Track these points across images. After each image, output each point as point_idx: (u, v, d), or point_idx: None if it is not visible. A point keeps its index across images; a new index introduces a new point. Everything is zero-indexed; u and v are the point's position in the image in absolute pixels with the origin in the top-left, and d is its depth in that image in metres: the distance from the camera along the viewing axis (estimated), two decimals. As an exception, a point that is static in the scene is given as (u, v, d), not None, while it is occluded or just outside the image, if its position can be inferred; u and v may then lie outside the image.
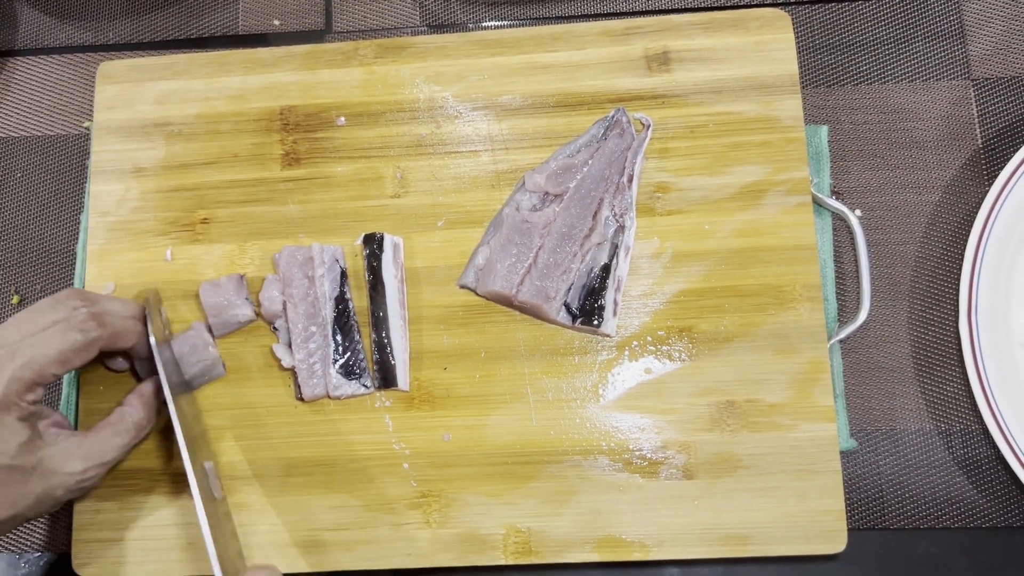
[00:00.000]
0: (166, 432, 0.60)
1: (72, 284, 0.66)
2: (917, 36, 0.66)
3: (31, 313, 0.52)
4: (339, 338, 0.59)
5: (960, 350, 0.59)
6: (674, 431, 0.58)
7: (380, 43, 0.65)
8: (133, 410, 0.56)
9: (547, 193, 0.61)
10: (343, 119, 0.64)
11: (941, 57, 0.66)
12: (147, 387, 0.57)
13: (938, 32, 0.66)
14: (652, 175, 0.62)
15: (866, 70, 0.66)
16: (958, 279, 0.60)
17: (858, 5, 0.67)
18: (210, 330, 0.60)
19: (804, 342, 0.59)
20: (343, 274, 0.60)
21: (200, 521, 0.52)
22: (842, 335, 0.60)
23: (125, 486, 0.60)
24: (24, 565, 0.63)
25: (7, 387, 0.49)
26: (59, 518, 0.63)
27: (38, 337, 0.50)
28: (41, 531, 0.63)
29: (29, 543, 0.63)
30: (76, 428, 0.61)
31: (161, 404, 0.57)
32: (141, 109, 0.66)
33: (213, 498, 0.56)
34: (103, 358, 0.59)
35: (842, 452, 0.60)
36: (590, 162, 0.62)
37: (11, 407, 0.49)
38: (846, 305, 0.62)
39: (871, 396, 0.61)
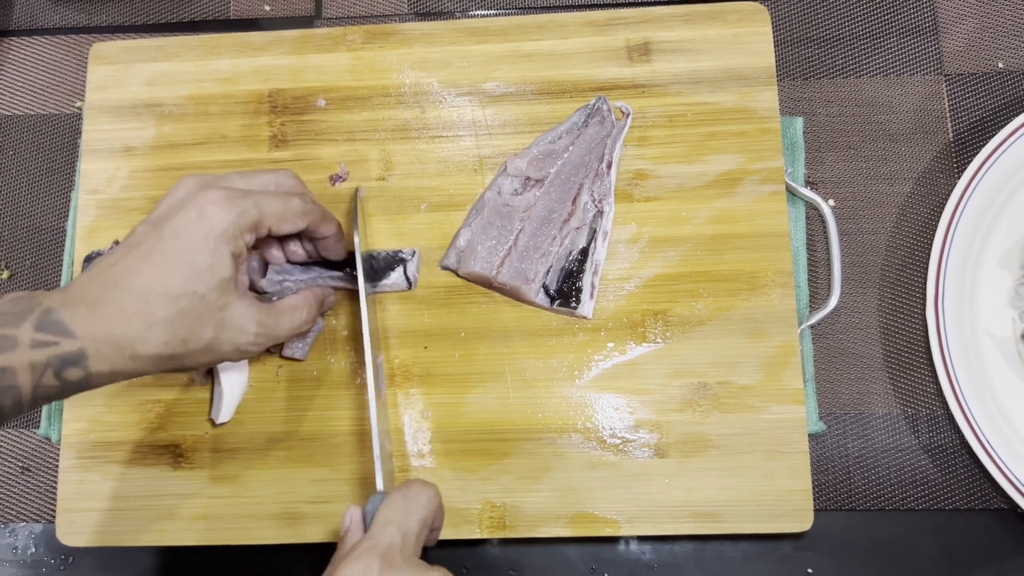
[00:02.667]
0: (146, 403, 0.62)
1: (62, 261, 0.68)
2: (892, 31, 0.68)
3: (254, 172, 0.53)
4: None
5: (927, 337, 0.61)
6: (647, 411, 0.60)
7: (368, 29, 0.67)
8: (307, 301, 0.55)
9: (528, 178, 0.63)
10: (323, 101, 0.65)
11: (915, 52, 0.68)
12: (322, 290, 0.58)
13: (912, 28, 0.68)
14: (631, 162, 0.63)
15: (841, 64, 0.68)
16: (927, 268, 0.62)
17: (835, 0, 0.69)
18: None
19: (775, 327, 0.61)
20: None
21: (371, 415, 0.54)
22: (813, 320, 0.62)
23: (109, 457, 0.61)
24: (9, 535, 0.64)
25: (237, 218, 0.48)
26: (45, 488, 0.65)
27: (265, 192, 0.51)
28: (27, 501, 0.65)
29: (15, 512, 0.64)
30: (60, 439, 0.63)
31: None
32: (132, 90, 0.67)
33: (381, 394, 0.57)
34: (291, 240, 0.59)
35: (811, 435, 0.61)
36: (571, 148, 0.63)
37: (231, 239, 0.48)
38: (818, 292, 0.64)
39: (840, 381, 0.63)
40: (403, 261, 0.61)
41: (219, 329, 0.49)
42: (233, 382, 0.59)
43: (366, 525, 0.49)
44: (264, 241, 0.56)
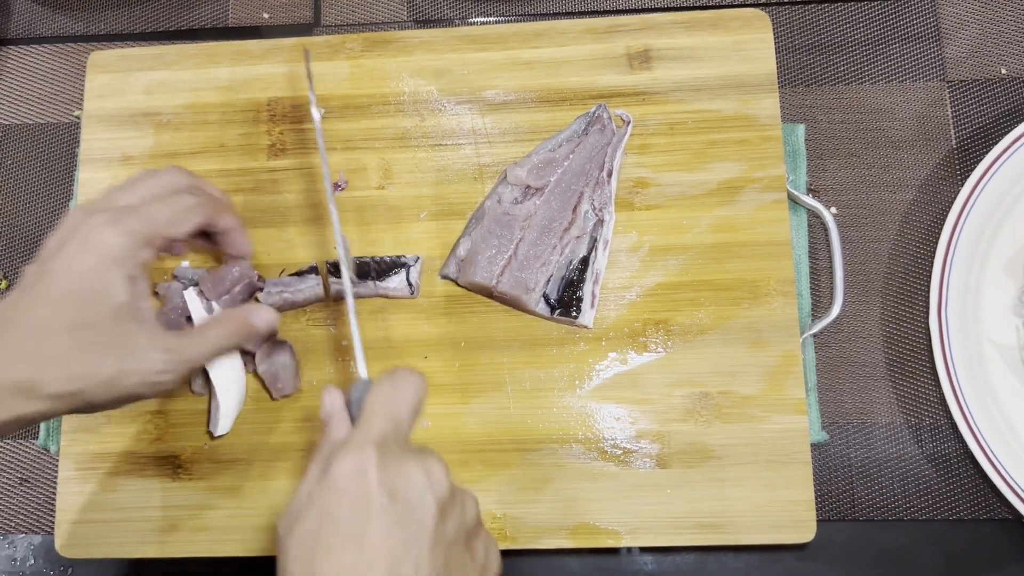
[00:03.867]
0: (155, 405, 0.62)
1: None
2: (894, 38, 0.68)
3: (137, 180, 0.51)
4: None
5: (930, 346, 0.61)
6: (649, 421, 0.60)
7: (367, 37, 0.66)
8: (230, 319, 0.53)
9: (528, 186, 0.63)
10: (323, 111, 0.65)
11: (917, 59, 0.67)
12: (247, 309, 0.56)
13: (914, 34, 0.68)
14: (631, 170, 0.63)
15: (843, 71, 0.67)
16: (930, 276, 0.61)
17: (836, 7, 0.68)
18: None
19: (777, 336, 0.60)
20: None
21: (346, 295, 0.53)
22: (815, 329, 0.61)
23: (108, 468, 0.61)
24: (8, 546, 0.64)
25: (125, 240, 0.47)
26: (43, 499, 0.64)
27: (152, 200, 0.50)
28: (25, 512, 0.64)
29: (14, 524, 0.64)
30: (59, 450, 0.63)
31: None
32: (130, 99, 0.67)
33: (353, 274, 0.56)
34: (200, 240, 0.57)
35: (814, 444, 0.61)
36: (571, 157, 0.63)
37: (121, 263, 0.47)
38: (820, 300, 0.63)
39: (843, 390, 0.63)
40: (406, 266, 0.61)
41: (121, 361, 0.46)
42: (230, 394, 0.59)
43: (351, 413, 0.47)
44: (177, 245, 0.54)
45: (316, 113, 0.59)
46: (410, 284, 0.61)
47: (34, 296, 0.46)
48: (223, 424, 0.59)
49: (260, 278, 0.61)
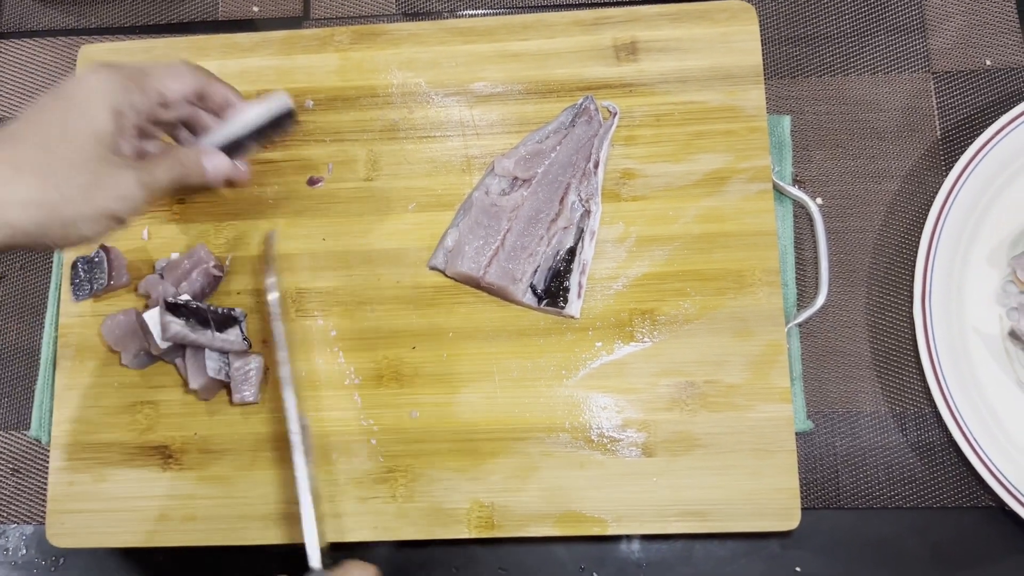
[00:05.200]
0: (137, 404, 0.62)
1: (52, 263, 0.68)
2: (879, 30, 0.68)
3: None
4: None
5: (915, 335, 0.61)
6: (635, 410, 0.60)
7: (355, 30, 0.67)
8: (179, 151, 0.53)
9: (516, 178, 0.63)
10: (311, 102, 0.65)
11: (902, 50, 0.67)
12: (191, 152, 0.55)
13: (900, 26, 0.68)
14: (618, 161, 0.63)
15: (829, 62, 0.68)
16: (914, 266, 0.62)
17: (823, -1, 0.69)
18: None
19: (763, 325, 0.61)
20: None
21: (299, 488, 0.54)
22: (800, 319, 0.62)
23: (99, 458, 0.61)
24: (0, 536, 0.64)
25: (116, 75, 0.49)
26: (35, 490, 0.65)
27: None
28: (17, 503, 0.65)
29: (6, 514, 0.65)
30: (50, 441, 0.63)
31: None
32: (120, 91, 0.67)
33: (309, 457, 0.56)
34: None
35: (799, 433, 0.61)
36: (558, 148, 0.63)
37: (110, 94, 0.48)
38: (805, 290, 0.64)
39: (828, 379, 0.63)
40: (238, 320, 0.61)
41: (97, 177, 0.47)
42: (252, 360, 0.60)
43: None
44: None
45: (272, 295, 0.60)
46: (244, 338, 0.61)
47: (24, 118, 0.47)
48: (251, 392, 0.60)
49: (217, 266, 0.62)
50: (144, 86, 0.50)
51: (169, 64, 0.52)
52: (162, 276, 0.62)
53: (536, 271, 0.61)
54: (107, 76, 0.49)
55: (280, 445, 0.61)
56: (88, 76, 0.48)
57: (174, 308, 0.58)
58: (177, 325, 0.58)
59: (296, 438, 0.55)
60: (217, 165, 0.55)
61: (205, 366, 0.59)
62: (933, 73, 0.67)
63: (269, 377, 0.62)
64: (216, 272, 0.62)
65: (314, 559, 0.52)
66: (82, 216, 0.47)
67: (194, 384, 0.60)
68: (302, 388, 0.62)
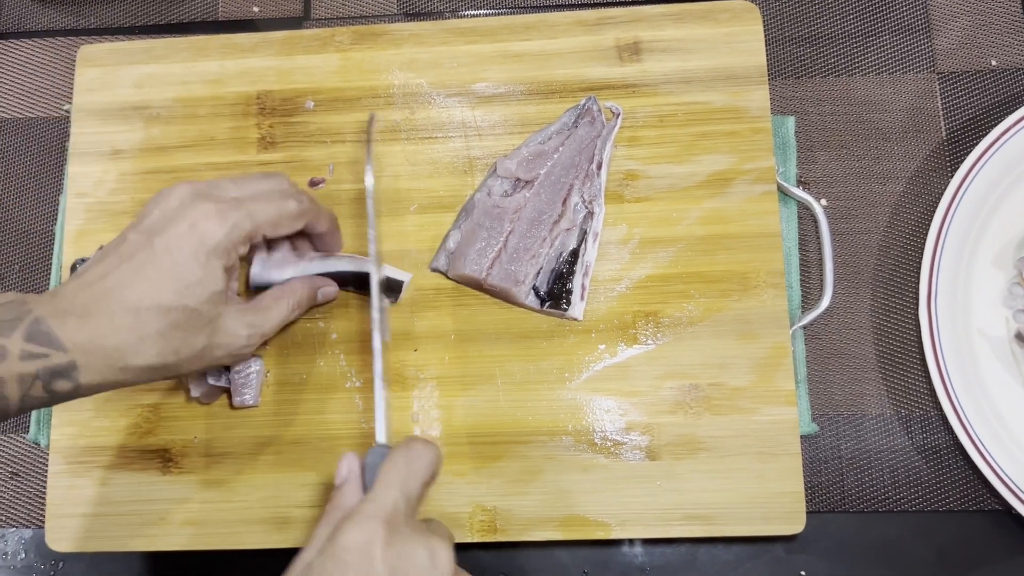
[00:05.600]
0: (143, 407, 0.62)
1: (51, 264, 0.67)
2: (884, 30, 0.67)
3: (246, 178, 0.53)
4: None
5: (920, 338, 0.61)
6: (638, 413, 0.60)
7: (356, 30, 0.66)
8: (296, 290, 0.56)
9: (518, 179, 0.62)
10: (311, 103, 0.65)
11: (907, 51, 0.67)
12: (311, 279, 0.58)
13: (905, 26, 0.67)
14: (621, 163, 0.63)
15: (833, 62, 0.67)
16: (920, 268, 0.61)
17: (827, -2, 0.69)
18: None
19: (767, 328, 0.60)
20: None
21: (375, 361, 0.54)
22: (805, 321, 0.61)
23: (98, 462, 0.61)
24: (-1, 540, 0.64)
25: (229, 232, 0.49)
26: (34, 494, 0.64)
27: (258, 199, 0.52)
28: (16, 507, 0.64)
29: (5, 518, 0.64)
30: (48, 444, 0.63)
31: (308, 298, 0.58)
32: (120, 92, 0.66)
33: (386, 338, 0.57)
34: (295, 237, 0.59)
35: (804, 436, 0.61)
36: (561, 149, 0.63)
37: (223, 254, 0.49)
38: (810, 292, 0.63)
39: (833, 382, 0.63)
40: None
41: (211, 337, 0.50)
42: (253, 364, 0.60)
43: (364, 479, 0.48)
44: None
45: (369, 178, 0.60)
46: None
47: (136, 267, 0.47)
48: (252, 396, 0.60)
49: None
50: (254, 236, 0.51)
51: (281, 206, 0.52)
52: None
53: (539, 273, 0.61)
54: (218, 234, 0.49)
55: (281, 448, 0.60)
56: (197, 230, 0.48)
57: None
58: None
59: (376, 316, 0.55)
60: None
61: (205, 373, 0.58)
62: (938, 74, 0.67)
63: (269, 380, 0.61)
64: None
65: (381, 434, 0.51)
66: (193, 369, 0.51)
67: (195, 392, 0.59)
68: (305, 390, 0.61)
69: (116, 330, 0.46)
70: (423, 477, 0.47)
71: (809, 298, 0.63)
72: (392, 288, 0.61)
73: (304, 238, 0.59)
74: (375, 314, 0.55)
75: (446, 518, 0.59)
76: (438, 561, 0.43)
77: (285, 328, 0.61)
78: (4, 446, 0.66)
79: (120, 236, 0.49)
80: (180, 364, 0.49)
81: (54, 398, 0.46)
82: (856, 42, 0.67)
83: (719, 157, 0.63)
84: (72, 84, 0.67)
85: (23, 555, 0.64)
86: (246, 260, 0.56)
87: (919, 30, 0.67)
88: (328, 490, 0.60)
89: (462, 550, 0.60)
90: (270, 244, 0.58)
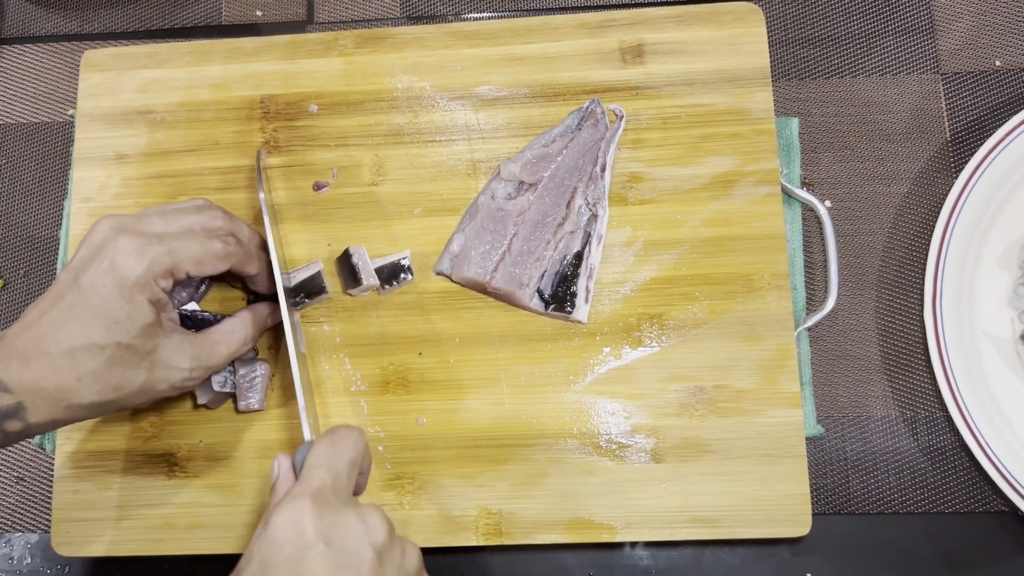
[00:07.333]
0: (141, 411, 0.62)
1: (56, 269, 0.67)
2: (887, 31, 0.67)
3: (175, 210, 0.53)
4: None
5: (925, 339, 0.61)
6: (643, 416, 0.60)
7: (360, 34, 0.66)
8: (243, 324, 0.56)
9: (522, 182, 0.62)
10: (315, 107, 0.65)
11: (911, 52, 0.67)
12: (261, 308, 0.59)
13: (908, 27, 0.67)
14: (625, 165, 0.63)
15: (837, 64, 0.67)
16: (925, 269, 0.61)
17: None
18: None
19: (772, 330, 0.60)
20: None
21: (292, 366, 0.54)
22: (810, 323, 0.61)
23: (103, 467, 0.61)
24: (4, 545, 0.64)
25: (148, 267, 0.49)
26: (40, 498, 0.64)
27: (182, 235, 0.51)
28: (22, 511, 0.64)
29: (10, 523, 0.64)
30: (54, 449, 0.62)
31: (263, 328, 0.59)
32: (124, 97, 0.67)
33: (300, 347, 0.58)
34: (227, 276, 0.60)
35: (809, 438, 0.61)
36: (564, 152, 0.63)
37: (146, 287, 0.49)
38: (815, 294, 0.63)
39: (838, 383, 0.63)
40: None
41: (151, 371, 0.50)
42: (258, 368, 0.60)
43: (296, 474, 0.49)
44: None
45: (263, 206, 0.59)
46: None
47: (66, 308, 0.48)
48: (257, 400, 0.60)
49: None
50: (175, 272, 0.51)
51: (205, 245, 0.52)
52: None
53: (543, 276, 0.61)
54: (137, 270, 0.49)
55: (286, 451, 0.60)
56: (116, 266, 0.49)
57: (181, 319, 0.58)
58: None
59: (287, 318, 0.55)
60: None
61: (211, 379, 0.58)
62: (942, 74, 0.67)
63: (273, 384, 0.61)
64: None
65: (307, 432, 0.52)
66: (139, 403, 0.52)
67: (203, 399, 0.59)
68: (311, 393, 0.61)
69: (55, 371, 0.47)
70: (348, 456, 0.47)
71: (814, 300, 0.63)
72: (315, 289, 0.61)
73: (237, 278, 0.60)
74: (287, 326, 0.55)
75: (451, 521, 0.59)
76: (371, 526, 0.44)
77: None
78: (10, 451, 0.66)
79: (57, 277, 0.51)
80: (123, 400, 0.50)
81: (8, 438, 0.47)
82: (860, 43, 0.67)
83: (723, 159, 0.62)
84: (76, 89, 0.67)
85: (29, 559, 0.64)
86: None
87: (923, 31, 0.67)
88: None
89: (467, 553, 0.61)
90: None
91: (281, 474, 0.48)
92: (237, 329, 0.56)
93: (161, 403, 0.62)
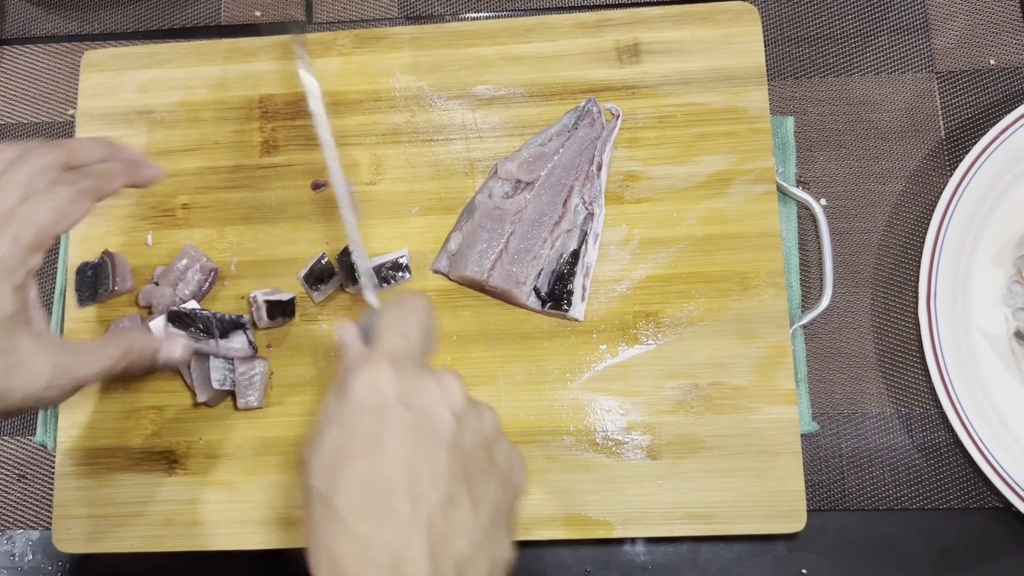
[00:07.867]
0: (147, 409, 0.62)
1: (56, 266, 0.68)
2: (883, 29, 0.68)
3: (7, 175, 0.46)
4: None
5: (920, 336, 0.61)
6: (639, 413, 0.60)
7: (358, 33, 0.67)
8: (117, 343, 0.51)
9: (519, 181, 0.63)
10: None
11: (906, 50, 0.67)
12: (140, 338, 0.53)
13: (903, 26, 0.68)
14: (621, 164, 0.63)
15: (832, 62, 0.67)
16: (919, 267, 0.62)
17: (825, -1, 0.69)
18: None
19: (767, 327, 0.61)
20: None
21: (349, 232, 0.54)
22: (805, 320, 0.61)
23: (104, 464, 0.62)
24: (6, 542, 0.65)
25: (10, 249, 0.44)
26: (41, 495, 0.65)
27: (29, 201, 0.45)
28: (23, 508, 0.65)
29: (12, 519, 0.65)
30: (55, 446, 0.63)
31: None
32: (124, 97, 0.67)
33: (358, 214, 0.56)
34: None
35: (804, 435, 0.61)
36: (561, 151, 0.63)
37: (9, 272, 0.44)
38: (810, 292, 0.64)
39: (833, 380, 0.63)
40: (243, 326, 0.60)
41: (6, 374, 0.44)
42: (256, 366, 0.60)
43: (364, 340, 0.48)
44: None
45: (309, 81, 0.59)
46: (250, 343, 0.60)
47: None
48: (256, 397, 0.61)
49: (210, 262, 0.63)
50: (39, 244, 0.46)
51: (53, 199, 0.46)
52: (157, 284, 0.62)
53: (540, 274, 0.61)
54: None
55: (285, 449, 0.61)
56: None
57: (178, 317, 0.58)
58: (181, 338, 0.58)
59: (343, 191, 0.54)
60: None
61: (210, 378, 0.59)
62: (937, 73, 0.67)
63: (273, 381, 0.62)
64: (211, 265, 0.62)
65: (372, 297, 0.52)
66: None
67: (202, 397, 0.60)
68: (309, 391, 0.62)
69: None
70: (419, 323, 0.46)
71: (809, 297, 0.64)
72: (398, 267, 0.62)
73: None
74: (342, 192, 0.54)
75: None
76: (448, 390, 0.42)
77: (287, 331, 0.62)
78: (11, 448, 0.66)
79: None
80: None
81: None
82: (855, 42, 0.68)
83: (719, 158, 0.63)
84: (76, 89, 0.68)
85: (30, 556, 0.64)
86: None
87: (917, 30, 0.68)
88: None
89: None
90: None
91: (349, 340, 0.47)
92: (106, 346, 0.50)
93: (161, 400, 0.62)
